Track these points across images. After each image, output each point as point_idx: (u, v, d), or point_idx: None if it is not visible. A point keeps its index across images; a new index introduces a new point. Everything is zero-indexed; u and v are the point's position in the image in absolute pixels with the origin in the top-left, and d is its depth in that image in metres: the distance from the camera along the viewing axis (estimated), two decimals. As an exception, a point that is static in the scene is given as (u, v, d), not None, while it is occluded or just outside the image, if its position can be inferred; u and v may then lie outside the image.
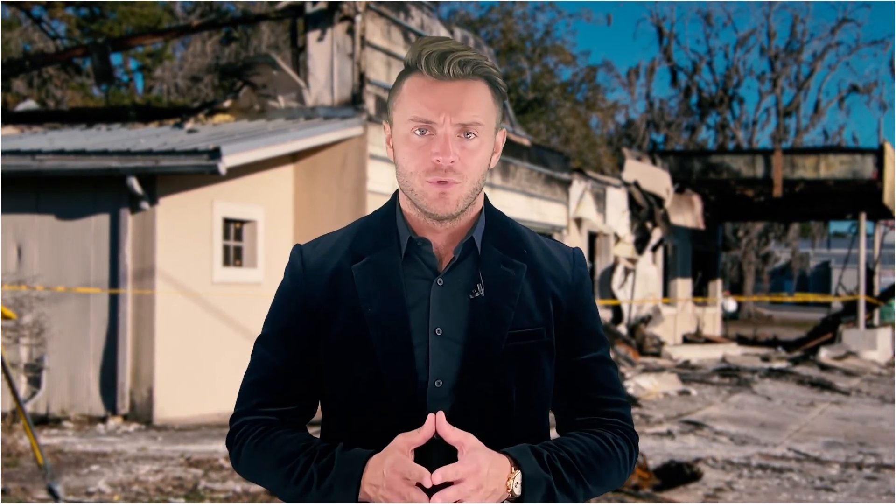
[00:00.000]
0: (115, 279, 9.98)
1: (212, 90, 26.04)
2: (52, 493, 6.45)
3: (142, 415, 9.89)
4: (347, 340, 1.77)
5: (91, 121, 13.70)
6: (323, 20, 12.42)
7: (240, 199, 11.02)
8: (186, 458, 7.98)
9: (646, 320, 19.64)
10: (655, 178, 20.77)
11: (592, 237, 18.78)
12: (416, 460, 1.64)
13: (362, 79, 12.13)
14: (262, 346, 1.85)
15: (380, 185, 11.59)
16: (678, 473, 7.55)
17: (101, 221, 10.08)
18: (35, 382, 10.08)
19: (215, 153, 9.56)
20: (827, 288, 48.15)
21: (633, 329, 19.19)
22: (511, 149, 15.35)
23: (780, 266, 53.21)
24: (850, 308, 22.37)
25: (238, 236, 11.22)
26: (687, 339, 22.41)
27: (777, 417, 11.48)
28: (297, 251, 1.87)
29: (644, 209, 20.25)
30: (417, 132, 1.72)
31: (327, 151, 11.65)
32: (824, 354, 19.51)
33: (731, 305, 28.39)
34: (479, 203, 1.82)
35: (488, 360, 1.75)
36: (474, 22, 31.88)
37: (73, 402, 10.09)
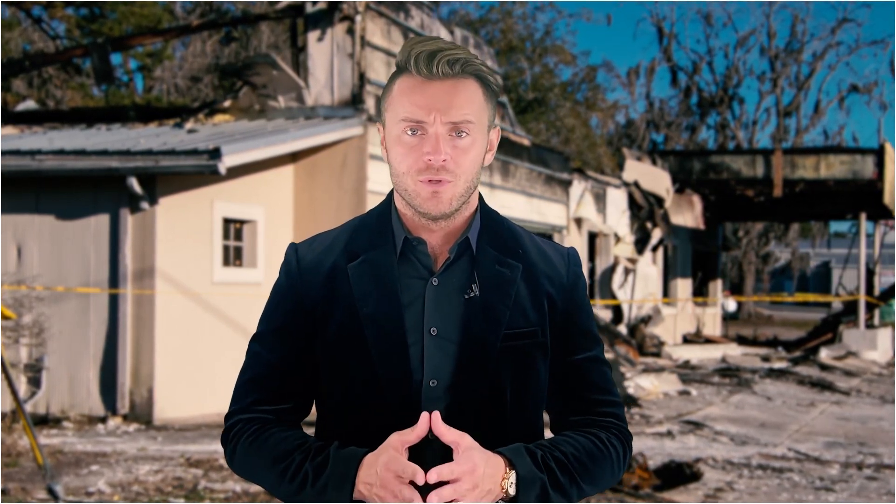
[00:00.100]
0: (114, 279, 9.98)
1: (212, 90, 26.04)
2: (52, 494, 6.45)
3: (142, 415, 9.88)
4: (343, 339, 1.77)
5: (91, 121, 13.70)
6: (323, 20, 12.42)
7: (240, 199, 11.02)
8: (186, 458, 7.98)
9: (646, 320, 19.63)
10: (655, 178, 20.77)
11: (592, 237, 18.78)
12: (410, 459, 1.64)
13: (362, 79, 12.13)
14: (258, 343, 1.85)
15: (380, 185, 11.59)
16: (678, 473, 7.54)
17: (101, 221, 10.08)
18: (35, 382, 10.08)
19: (215, 153, 9.56)
20: (827, 288, 48.15)
21: (633, 329, 19.18)
22: (511, 149, 15.35)
23: (780, 266, 53.21)
24: (851, 308, 22.37)
25: (238, 236, 11.21)
26: (687, 339, 22.41)
27: (777, 417, 11.48)
28: (293, 249, 1.87)
29: (644, 209, 20.25)
30: (409, 132, 1.72)
31: (327, 151, 11.65)
32: (824, 354, 19.51)
33: (732, 305, 28.39)
34: (474, 202, 1.82)
35: (483, 359, 1.75)
36: (474, 22, 31.88)
37: (73, 402, 10.08)
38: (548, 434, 1.85)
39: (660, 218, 20.46)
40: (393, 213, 1.83)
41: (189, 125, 12.48)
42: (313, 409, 1.89)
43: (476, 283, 1.78)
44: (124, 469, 7.57)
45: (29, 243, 10.29)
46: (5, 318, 8.22)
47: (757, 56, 63.30)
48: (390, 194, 1.86)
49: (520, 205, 15.52)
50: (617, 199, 19.70)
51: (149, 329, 9.93)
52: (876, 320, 22.31)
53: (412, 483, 1.62)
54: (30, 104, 17.11)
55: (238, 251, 11.21)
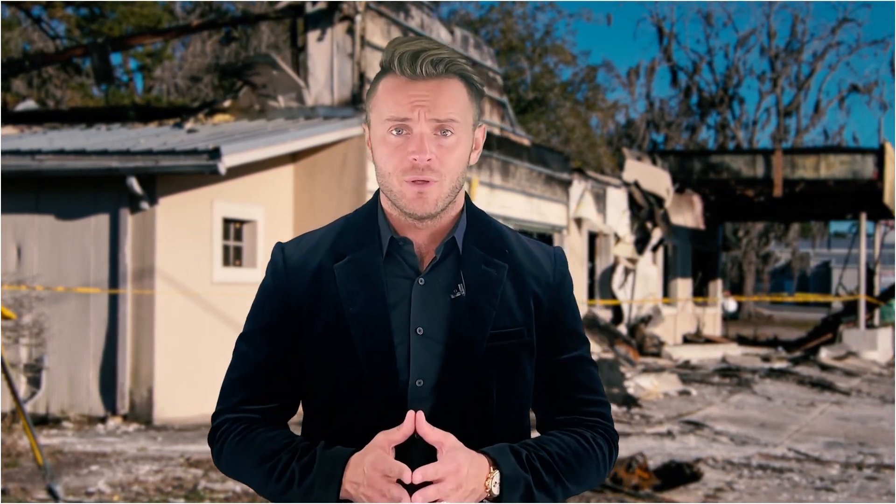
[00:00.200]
0: (114, 279, 9.98)
1: (212, 90, 26.04)
2: (52, 494, 6.45)
3: (141, 415, 9.88)
4: (329, 339, 1.78)
5: (91, 121, 13.70)
6: (323, 20, 12.42)
7: (240, 199, 11.02)
8: (186, 458, 7.97)
9: (646, 320, 19.63)
10: (655, 178, 20.77)
11: (592, 237, 18.78)
12: (397, 458, 1.64)
13: (362, 79, 12.13)
14: (244, 343, 1.85)
15: (380, 185, 11.57)
16: (678, 473, 7.54)
17: (101, 221, 10.08)
18: (35, 382, 10.08)
19: (215, 153, 9.56)
20: (827, 288, 48.14)
21: (633, 329, 19.18)
22: (511, 149, 15.34)
23: (780, 266, 53.21)
24: (851, 308, 22.37)
25: (238, 236, 11.21)
26: (687, 339, 22.41)
27: (777, 417, 11.47)
28: (279, 249, 1.87)
29: (644, 209, 20.25)
30: (394, 132, 1.73)
31: (327, 151, 11.64)
32: (825, 354, 19.51)
33: (732, 305, 28.39)
34: (460, 202, 1.82)
35: (469, 359, 1.75)
36: (474, 22, 31.87)
37: (73, 402, 10.08)
38: (535, 434, 1.85)
39: (660, 218, 20.46)
40: (379, 212, 1.83)
41: (189, 125, 12.48)
42: (300, 408, 1.89)
43: (462, 283, 1.78)
44: (124, 469, 7.57)
45: (29, 243, 10.29)
46: (5, 318, 8.22)
47: (757, 56, 63.35)
48: (377, 194, 1.86)
49: (520, 205, 15.52)
50: (617, 199, 19.70)
51: (148, 329, 9.93)
52: (876, 320, 22.31)
53: (399, 482, 1.62)
54: (30, 104, 17.11)
55: (238, 251, 11.21)
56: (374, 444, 1.65)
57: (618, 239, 19.48)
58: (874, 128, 79.08)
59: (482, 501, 1.66)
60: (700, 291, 25.32)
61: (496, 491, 1.66)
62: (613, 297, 18.89)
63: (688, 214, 22.08)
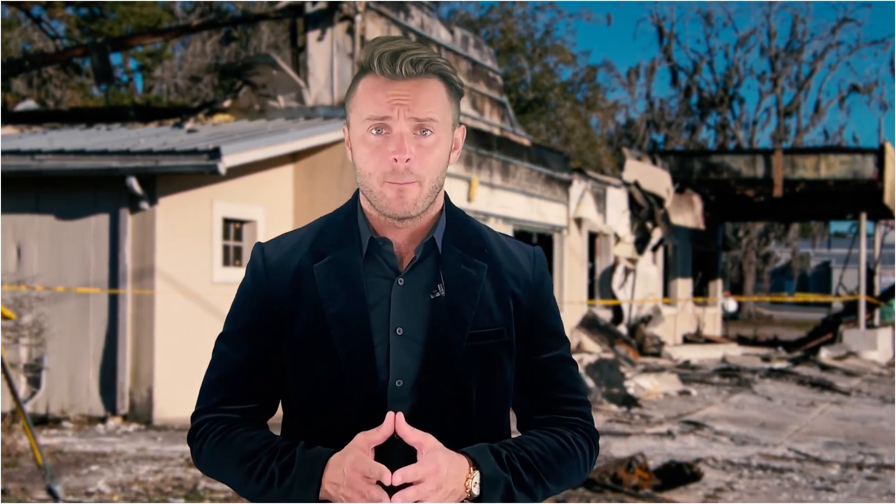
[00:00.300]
0: (114, 279, 9.97)
1: (212, 90, 26.04)
2: (52, 494, 6.45)
3: (141, 415, 9.88)
4: (309, 338, 1.78)
5: (91, 121, 13.69)
6: (323, 20, 12.42)
7: (240, 199, 11.02)
8: (186, 458, 7.97)
9: (646, 320, 19.63)
10: (655, 178, 20.77)
11: (592, 237, 18.77)
12: (376, 459, 1.64)
13: (362, 79, 12.11)
14: (224, 343, 1.85)
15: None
16: (678, 473, 7.54)
17: (101, 221, 10.08)
18: (35, 382, 10.07)
19: (215, 153, 9.56)
20: (827, 288, 48.14)
21: (633, 329, 19.18)
22: (511, 149, 15.34)
23: (780, 266, 53.21)
24: (851, 308, 22.37)
25: (238, 236, 11.21)
26: (687, 340, 22.40)
27: (777, 417, 11.47)
28: (259, 249, 1.87)
29: (644, 209, 20.25)
30: (374, 131, 1.73)
31: (327, 151, 11.64)
32: (825, 354, 19.50)
33: (732, 305, 28.39)
34: (440, 202, 1.82)
35: (449, 359, 1.75)
36: (474, 22, 31.87)
37: (73, 402, 10.08)
38: (515, 433, 1.85)
39: (660, 218, 20.46)
40: (359, 212, 1.83)
41: (189, 125, 12.48)
42: (279, 409, 1.89)
43: (442, 283, 1.78)
44: (124, 469, 7.57)
45: (29, 243, 10.29)
46: (5, 318, 8.22)
47: (757, 56, 63.35)
48: (356, 194, 1.86)
49: (520, 205, 15.52)
50: (617, 199, 19.70)
51: (148, 329, 9.92)
52: (876, 320, 22.31)
53: (379, 483, 1.62)
54: (30, 104, 17.12)
55: (238, 251, 11.20)
56: (353, 445, 1.65)
57: (618, 239, 19.48)
58: (874, 128, 79.12)
59: (462, 502, 1.66)
60: (700, 291, 25.32)
61: (476, 491, 1.66)
62: (613, 297, 18.89)
63: (688, 214, 22.08)
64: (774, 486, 7.64)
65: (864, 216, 21.91)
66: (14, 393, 6.76)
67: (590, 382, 12.26)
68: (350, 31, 12.23)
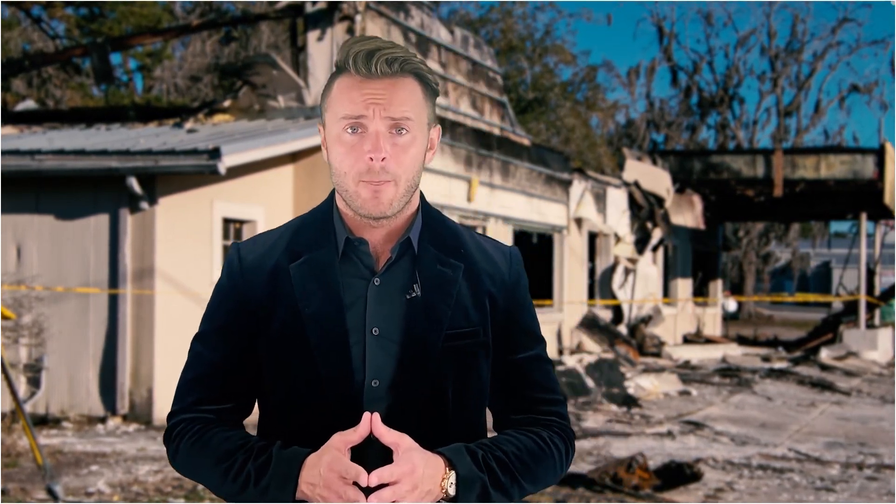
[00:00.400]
0: (114, 279, 9.97)
1: (211, 90, 26.04)
2: (52, 494, 6.44)
3: (141, 415, 9.88)
4: (286, 338, 1.78)
5: (91, 121, 13.69)
6: (323, 20, 12.41)
7: (240, 199, 11.01)
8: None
9: (646, 320, 19.63)
10: (656, 178, 20.77)
11: (592, 237, 18.77)
12: (353, 459, 1.64)
13: (362, 79, 12.11)
14: (200, 343, 1.86)
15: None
16: (678, 474, 7.54)
17: (101, 221, 10.07)
18: (34, 382, 10.07)
19: (215, 153, 9.55)
20: (827, 288, 48.14)
21: (633, 329, 19.18)
22: (511, 149, 15.34)
23: (780, 266, 53.21)
24: (851, 308, 22.37)
25: (238, 236, 11.20)
26: (687, 340, 22.40)
27: (777, 418, 11.47)
28: (235, 249, 1.87)
29: (644, 209, 20.25)
30: (349, 130, 1.72)
31: (327, 151, 11.62)
32: (825, 355, 19.50)
33: (732, 305, 28.39)
34: (416, 202, 1.82)
35: (425, 360, 1.75)
36: (474, 22, 31.87)
37: (73, 402, 10.07)
38: (491, 433, 1.85)
39: (660, 218, 20.46)
40: (335, 212, 1.83)
41: (189, 125, 12.47)
42: (255, 409, 1.89)
43: (418, 283, 1.78)
44: (124, 469, 7.57)
45: (29, 243, 10.28)
46: (5, 318, 8.22)
47: (757, 56, 63.35)
48: (332, 193, 1.85)
49: (520, 205, 15.52)
50: (617, 199, 19.70)
51: (148, 329, 9.92)
52: (876, 320, 22.30)
53: (356, 484, 1.62)
54: (29, 104, 17.12)
55: (238, 251, 11.19)
56: (330, 445, 1.65)
57: (618, 239, 19.47)
58: (874, 128, 79.11)
59: (438, 502, 1.66)
60: (700, 291, 25.31)
61: (452, 491, 1.66)
62: (613, 297, 18.89)
63: (688, 214, 22.08)
64: (775, 487, 7.64)
65: (864, 216, 21.91)
66: (14, 393, 6.76)
67: (590, 382, 12.26)
68: (350, 31, 12.22)
